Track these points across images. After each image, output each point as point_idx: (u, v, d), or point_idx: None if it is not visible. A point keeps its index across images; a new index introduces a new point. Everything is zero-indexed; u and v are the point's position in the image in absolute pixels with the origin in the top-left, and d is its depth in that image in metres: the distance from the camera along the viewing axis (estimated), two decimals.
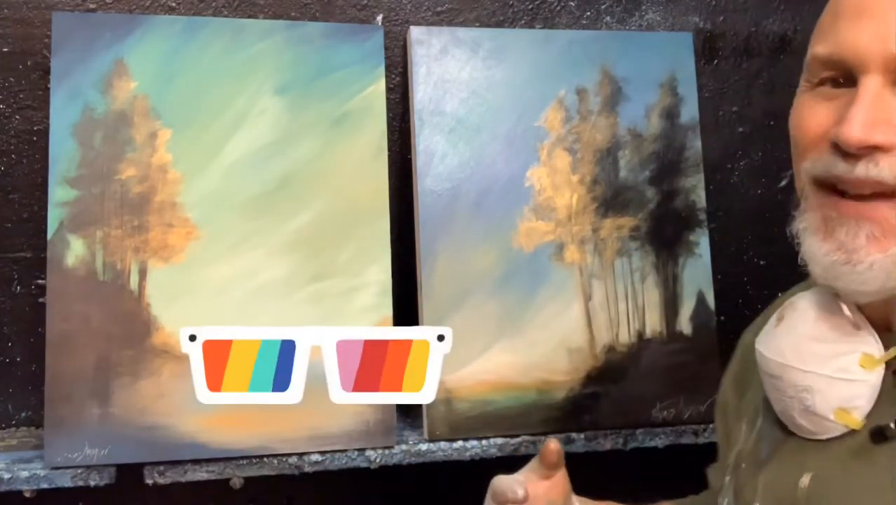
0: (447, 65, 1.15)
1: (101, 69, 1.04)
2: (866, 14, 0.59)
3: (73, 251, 1.02)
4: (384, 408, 1.07)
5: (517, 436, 1.11)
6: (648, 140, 1.20)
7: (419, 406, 1.11)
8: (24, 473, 0.98)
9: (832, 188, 0.61)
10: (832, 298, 0.65)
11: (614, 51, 1.20)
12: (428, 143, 1.13)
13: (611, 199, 1.18)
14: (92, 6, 1.11)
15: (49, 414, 0.99)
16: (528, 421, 1.11)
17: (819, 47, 0.63)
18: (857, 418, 0.61)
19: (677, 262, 1.19)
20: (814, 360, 0.63)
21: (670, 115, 1.21)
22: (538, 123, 1.17)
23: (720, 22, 1.31)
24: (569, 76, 1.18)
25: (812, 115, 0.64)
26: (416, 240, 1.13)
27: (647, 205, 1.19)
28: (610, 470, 1.26)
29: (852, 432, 0.62)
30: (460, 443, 1.09)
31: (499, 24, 1.23)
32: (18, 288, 1.11)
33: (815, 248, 0.62)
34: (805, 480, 0.64)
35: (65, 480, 0.99)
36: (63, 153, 1.03)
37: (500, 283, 1.13)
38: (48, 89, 1.05)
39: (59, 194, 1.02)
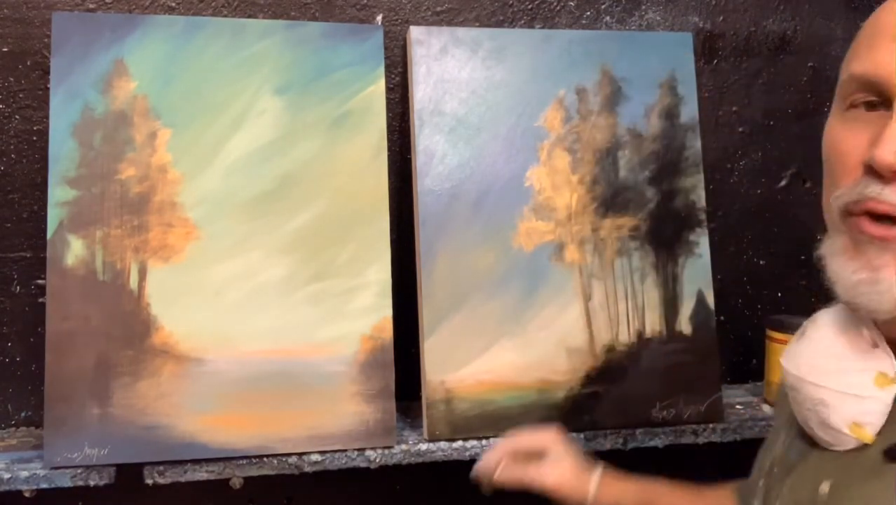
0: (447, 65, 1.15)
1: (100, 69, 1.04)
2: None
3: (73, 251, 1.02)
4: (384, 408, 1.07)
5: None
6: (648, 140, 1.20)
7: (419, 406, 1.11)
8: (24, 473, 0.98)
9: (860, 213, 0.61)
10: (853, 317, 0.66)
11: (614, 51, 1.20)
12: (428, 143, 1.13)
13: (610, 199, 1.18)
14: (92, 6, 1.11)
15: (49, 414, 0.99)
16: (528, 421, 1.11)
17: (855, 67, 0.63)
18: (869, 433, 0.63)
19: (677, 262, 1.19)
20: (827, 375, 0.65)
21: (670, 115, 1.21)
22: (538, 123, 1.17)
23: (720, 22, 1.31)
24: (568, 76, 1.18)
25: (846, 138, 0.63)
26: (416, 240, 1.13)
27: (646, 205, 1.19)
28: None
29: (865, 447, 0.64)
30: (460, 443, 1.09)
31: (498, 24, 1.23)
32: (18, 288, 1.11)
33: (842, 268, 0.62)
34: (825, 486, 0.65)
35: (64, 480, 0.99)
36: (63, 153, 1.03)
37: (500, 283, 1.13)
38: (48, 89, 1.06)
39: (58, 194, 1.02)
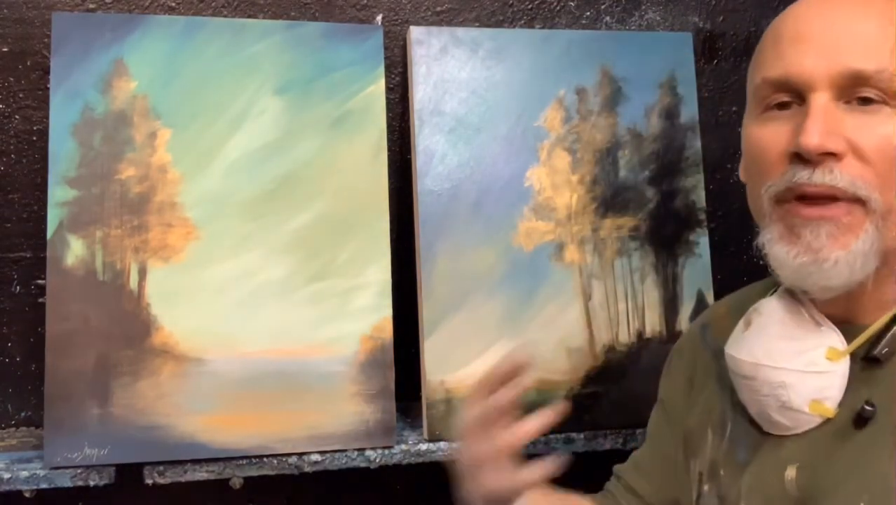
0: (447, 65, 1.15)
1: (100, 69, 1.04)
2: (808, 39, 0.66)
3: (73, 251, 1.02)
4: (384, 408, 1.07)
5: None
6: (648, 140, 1.20)
7: (419, 406, 1.11)
8: (24, 473, 0.98)
9: (791, 200, 0.66)
10: (793, 301, 0.70)
11: (614, 51, 1.20)
12: (428, 143, 1.13)
13: (610, 199, 1.18)
14: (92, 6, 1.11)
15: (49, 414, 0.99)
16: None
17: (767, 72, 0.68)
18: (830, 407, 0.66)
19: (677, 262, 1.19)
20: (784, 357, 0.67)
21: (670, 115, 1.21)
22: (538, 123, 1.17)
23: (720, 22, 1.31)
24: (568, 76, 1.18)
25: (766, 135, 0.69)
26: (416, 240, 1.13)
27: (646, 205, 1.19)
28: (610, 470, 1.26)
29: (826, 422, 0.67)
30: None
31: (498, 24, 1.23)
32: (18, 288, 1.11)
33: (783, 254, 0.66)
34: (791, 471, 0.67)
35: (64, 480, 0.99)
36: (63, 153, 1.03)
37: (500, 283, 1.13)
38: (48, 89, 1.05)
39: (58, 194, 1.02)
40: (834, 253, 0.63)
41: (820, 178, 0.63)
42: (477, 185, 1.14)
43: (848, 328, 0.67)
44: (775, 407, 0.68)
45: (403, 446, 1.07)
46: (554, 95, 1.17)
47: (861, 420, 0.64)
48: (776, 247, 0.67)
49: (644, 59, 1.20)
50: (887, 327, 0.66)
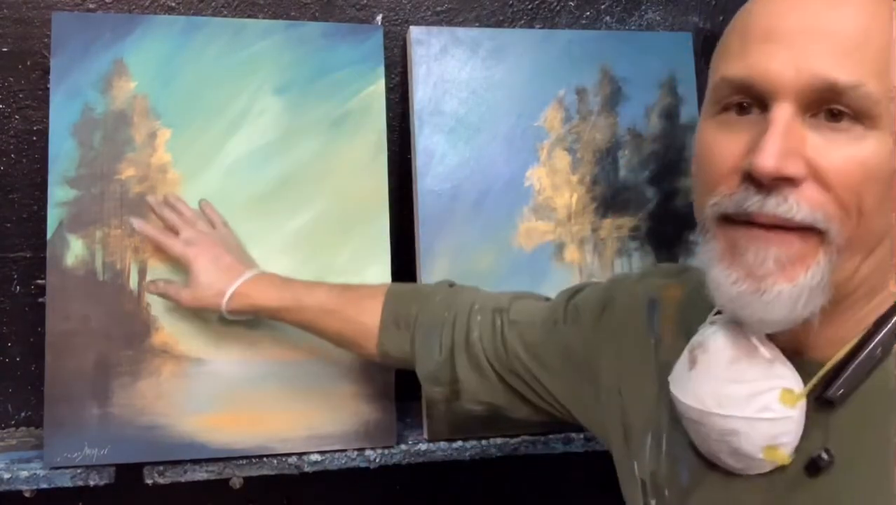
0: (447, 65, 1.15)
1: (100, 69, 1.04)
2: (777, 38, 0.56)
3: (73, 251, 1.02)
4: (384, 407, 1.07)
5: (517, 436, 1.11)
6: (648, 140, 1.20)
7: (419, 406, 1.11)
8: (24, 473, 0.98)
9: (740, 223, 0.59)
10: (742, 334, 0.62)
11: (614, 51, 1.20)
12: (428, 143, 1.13)
13: (610, 199, 1.18)
14: (91, 6, 1.11)
15: (49, 414, 0.99)
16: (528, 421, 1.11)
17: (728, 70, 0.59)
18: (785, 454, 0.60)
19: (677, 262, 1.18)
20: (734, 404, 0.60)
21: (670, 115, 1.21)
22: (538, 123, 1.17)
23: (720, 22, 1.31)
24: (568, 76, 1.18)
25: (720, 145, 0.60)
26: (416, 240, 1.13)
27: (646, 205, 1.19)
28: (609, 470, 1.26)
29: (780, 467, 0.61)
30: (460, 443, 1.09)
31: (498, 24, 1.23)
32: (18, 288, 1.11)
33: (723, 278, 0.59)
34: None
35: (64, 480, 0.99)
36: (62, 153, 1.03)
37: (500, 283, 1.12)
38: (48, 89, 1.05)
39: (58, 194, 1.02)
40: (777, 285, 0.56)
41: (773, 207, 0.55)
42: (477, 186, 1.14)
43: (799, 362, 0.61)
44: (727, 452, 0.62)
45: (403, 446, 1.07)
46: (554, 95, 1.17)
47: (815, 468, 0.59)
48: (716, 269, 0.59)
49: (644, 59, 1.20)
50: (842, 366, 0.59)
